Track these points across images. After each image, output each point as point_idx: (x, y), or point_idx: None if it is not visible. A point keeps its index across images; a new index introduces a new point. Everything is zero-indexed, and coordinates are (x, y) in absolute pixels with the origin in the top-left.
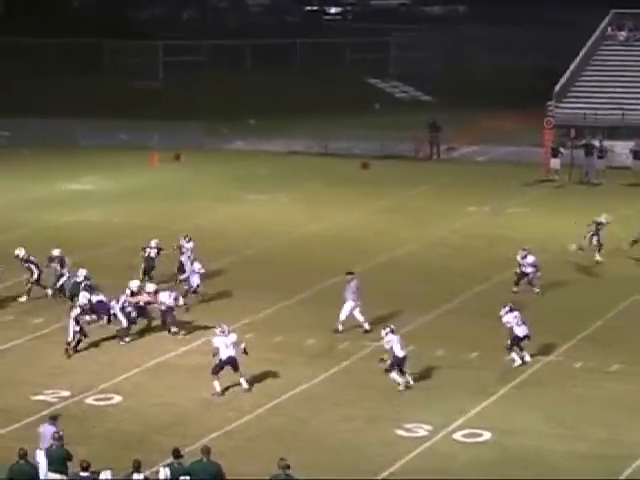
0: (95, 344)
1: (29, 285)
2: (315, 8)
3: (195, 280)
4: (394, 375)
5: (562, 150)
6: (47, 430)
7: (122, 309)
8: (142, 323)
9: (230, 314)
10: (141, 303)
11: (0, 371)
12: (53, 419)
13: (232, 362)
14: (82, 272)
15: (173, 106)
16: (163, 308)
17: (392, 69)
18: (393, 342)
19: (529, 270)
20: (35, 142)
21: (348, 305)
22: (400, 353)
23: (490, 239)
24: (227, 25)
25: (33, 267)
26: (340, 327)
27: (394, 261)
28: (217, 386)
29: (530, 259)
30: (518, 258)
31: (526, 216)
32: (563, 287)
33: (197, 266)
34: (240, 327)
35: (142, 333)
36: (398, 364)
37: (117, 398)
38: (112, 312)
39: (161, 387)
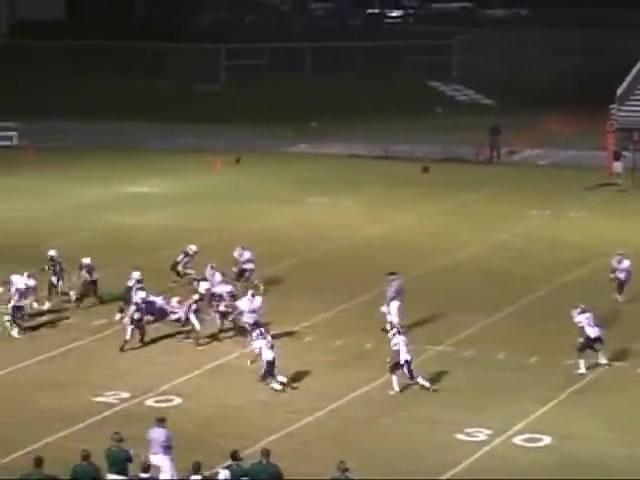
0: (155, 345)
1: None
2: (376, 11)
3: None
4: (395, 377)
5: (624, 153)
6: (157, 433)
7: (195, 312)
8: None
9: (290, 317)
10: (221, 308)
11: (61, 372)
12: (161, 421)
13: (274, 363)
14: (136, 274)
15: (235, 109)
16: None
17: (454, 72)
18: (400, 344)
19: (622, 276)
20: (97, 145)
21: (394, 305)
22: (407, 356)
23: (552, 243)
24: (289, 28)
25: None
26: (392, 328)
27: (455, 264)
28: (276, 385)
29: (625, 264)
30: (613, 263)
31: (588, 220)
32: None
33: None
34: (300, 330)
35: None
36: (403, 365)
37: (177, 400)
38: (178, 315)
39: (220, 389)
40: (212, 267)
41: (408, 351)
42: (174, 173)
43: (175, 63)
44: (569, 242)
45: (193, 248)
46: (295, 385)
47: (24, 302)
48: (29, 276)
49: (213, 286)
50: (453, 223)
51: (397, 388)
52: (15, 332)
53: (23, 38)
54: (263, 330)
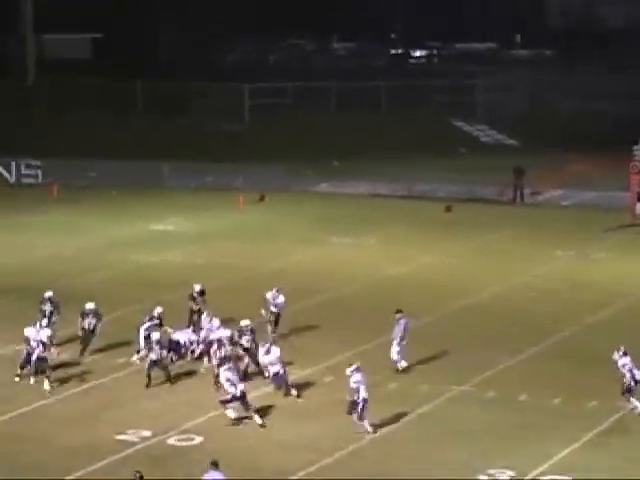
0: (177, 383)
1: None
2: (400, 51)
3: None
4: (354, 418)
5: None
6: (213, 476)
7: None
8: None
9: (311, 356)
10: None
11: (83, 410)
12: (215, 465)
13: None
14: (158, 310)
15: (258, 148)
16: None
17: (478, 112)
18: (360, 382)
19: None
20: (121, 183)
21: (396, 344)
22: (365, 394)
23: (575, 284)
24: (313, 68)
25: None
26: (400, 366)
27: (478, 304)
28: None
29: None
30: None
31: (611, 261)
32: None
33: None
34: (321, 369)
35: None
36: (362, 406)
37: (198, 439)
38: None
39: (242, 428)
40: (208, 314)
41: (367, 390)
42: (197, 211)
43: (199, 102)
44: (592, 283)
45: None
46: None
47: (46, 353)
48: (42, 326)
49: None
50: (476, 263)
51: (369, 429)
52: (46, 385)
53: (50, 77)
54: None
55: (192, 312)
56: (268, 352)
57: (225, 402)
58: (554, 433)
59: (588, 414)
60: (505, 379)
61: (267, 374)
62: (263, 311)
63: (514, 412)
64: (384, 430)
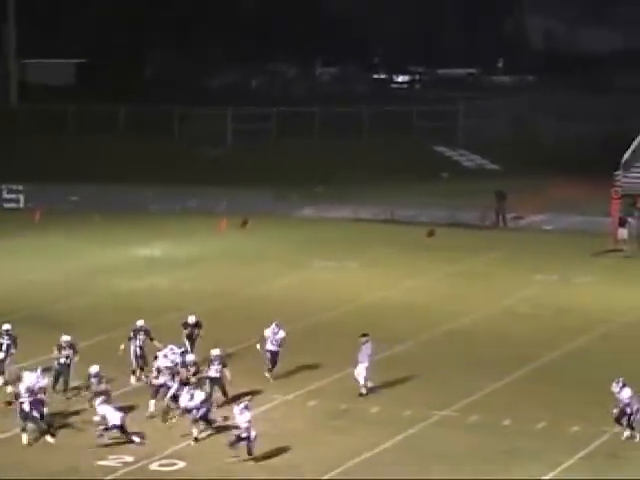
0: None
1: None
2: (382, 76)
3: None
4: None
5: (630, 220)
6: None
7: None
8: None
9: (295, 381)
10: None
11: (64, 435)
12: None
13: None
14: (139, 323)
15: (241, 172)
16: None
17: (460, 137)
18: (251, 420)
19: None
20: (104, 207)
21: (362, 367)
22: (252, 433)
23: (557, 308)
24: (295, 93)
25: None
26: (364, 390)
27: (460, 329)
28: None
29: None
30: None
31: (594, 286)
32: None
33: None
34: (305, 393)
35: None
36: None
37: (181, 464)
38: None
39: (225, 453)
40: (182, 345)
41: (249, 428)
42: (181, 236)
43: (183, 126)
44: (574, 308)
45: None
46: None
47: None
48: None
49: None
50: (459, 287)
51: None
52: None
53: (33, 102)
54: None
55: (190, 339)
56: (192, 398)
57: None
58: (538, 457)
59: (572, 438)
60: (488, 404)
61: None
62: (258, 346)
63: (498, 437)
64: (367, 454)
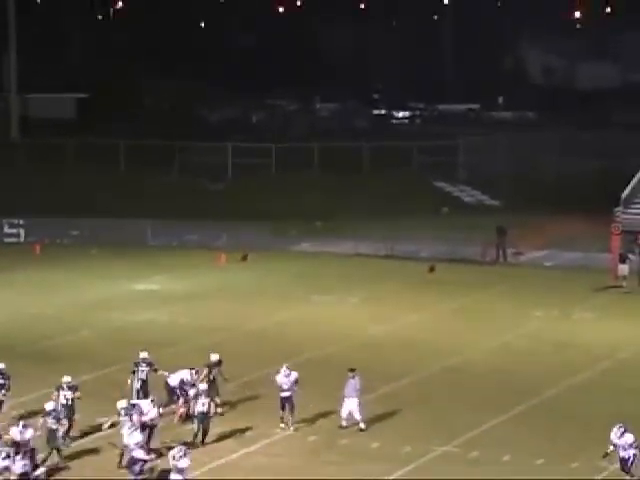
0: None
1: None
2: (382, 112)
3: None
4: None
5: (630, 256)
6: None
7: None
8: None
9: (295, 416)
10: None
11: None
12: None
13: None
14: (143, 354)
15: (241, 207)
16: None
17: (460, 173)
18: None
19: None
20: (103, 241)
21: (351, 402)
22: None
23: (557, 344)
24: (295, 129)
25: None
26: (344, 423)
27: (461, 364)
28: None
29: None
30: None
31: (594, 322)
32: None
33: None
34: (305, 428)
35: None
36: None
37: None
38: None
39: None
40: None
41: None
42: (179, 270)
43: (182, 160)
44: (574, 344)
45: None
46: None
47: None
48: (25, 426)
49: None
50: (459, 323)
51: None
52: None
53: (33, 136)
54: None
55: (209, 381)
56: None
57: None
58: None
59: (571, 475)
60: (489, 439)
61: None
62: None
63: (498, 472)
64: None
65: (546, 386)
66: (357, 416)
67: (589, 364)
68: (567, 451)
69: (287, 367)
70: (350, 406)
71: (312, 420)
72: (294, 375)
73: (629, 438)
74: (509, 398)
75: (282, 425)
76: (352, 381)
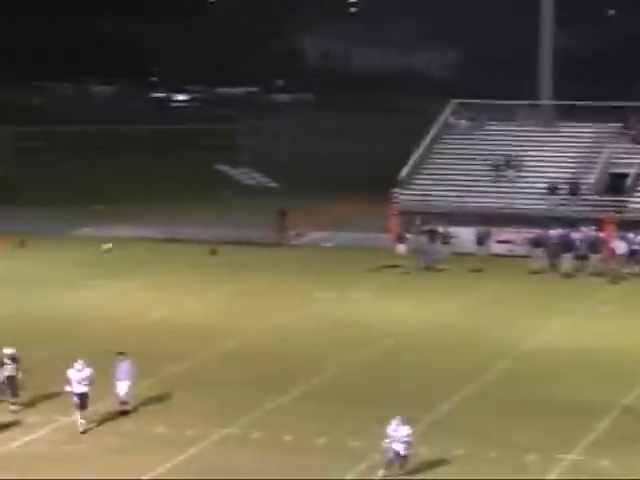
0: None
1: None
2: (161, 95)
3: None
4: None
5: (407, 236)
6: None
7: None
8: None
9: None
10: None
11: None
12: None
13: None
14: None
15: (18, 191)
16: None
17: (241, 156)
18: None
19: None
20: None
21: (124, 384)
22: None
23: (337, 324)
24: (74, 112)
25: None
26: (129, 407)
27: (243, 346)
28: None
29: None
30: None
31: (372, 301)
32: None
33: None
34: (89, 415)
35: None
36: None
37: None
38: None
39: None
40: None
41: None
42: None
43: None
44: (354, 323)
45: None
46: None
47: None
48: None
49: None
50: (241, 305)
51: None
52: None
53: None
54: None
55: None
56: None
57: None
58: (322, 473)
59: (352, 453)
60: (270, 420)
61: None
62: (68, 388)
63: (280, 453)
64: (152, 474)
65: (326, 366)
66: (125, 397)
67: (367, 343)
68: (348, 430)
69: (82, 362)
70: (122, 388)
71: (93, 406)
72: (87, 371)
73: (404, 431)
74: (289, 379)
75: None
76: (123, 364)
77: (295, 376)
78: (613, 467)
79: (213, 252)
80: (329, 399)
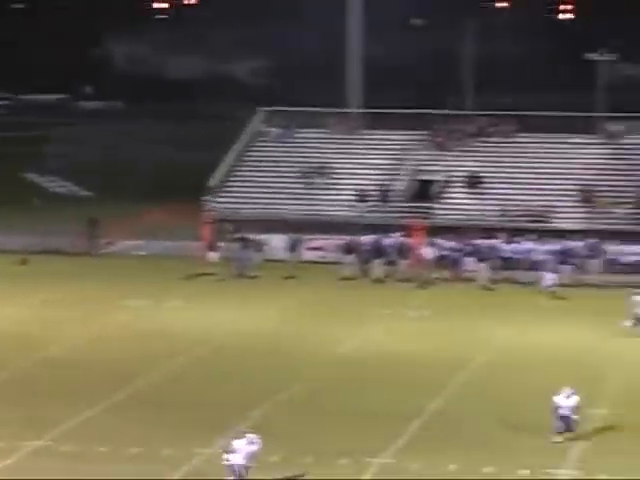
0: None
1: None
2: None
3: None
4: None
5: (220, 244)
6: None
7: None
8: None
9: None
10: None
11: None
12: None
13: None
14: None
15: None
16: None
17: (50, 164)
18: None
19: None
20: None
21: None
22: None
23: (149, 333)
24: None
25: None
26: None
27: (55, 356)
28: None
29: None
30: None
31: (186, 310)
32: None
33: None
34: None
35: None
36: None
37: None
38: None
39: None
40: None
41: None
42: None
43: None
44: (167, 332)
45: None
46: None
47: None
48: None
49: None
50: (51, 314)
51: None
52: None
53: None
54: None
55: None
56: None
57: None
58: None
59: (166, 461)
60: (83, 431)
61: None
62: None
63: (93, 464)
64: None
65: (139, 375)
66: None
67: (183, 351)
68: (161, 438)
69: None
70: None
71: None
72: None
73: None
74: (103, 388)
75: None
76: None
77: (108, 385)
78: (423, 469)
79: (23, 262)
80: (143, 408)
